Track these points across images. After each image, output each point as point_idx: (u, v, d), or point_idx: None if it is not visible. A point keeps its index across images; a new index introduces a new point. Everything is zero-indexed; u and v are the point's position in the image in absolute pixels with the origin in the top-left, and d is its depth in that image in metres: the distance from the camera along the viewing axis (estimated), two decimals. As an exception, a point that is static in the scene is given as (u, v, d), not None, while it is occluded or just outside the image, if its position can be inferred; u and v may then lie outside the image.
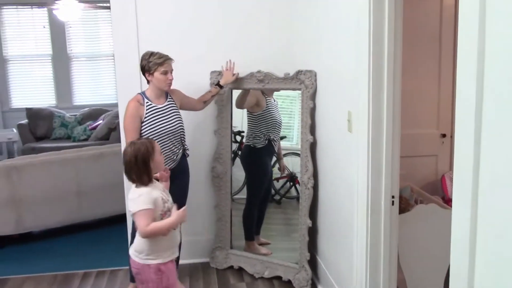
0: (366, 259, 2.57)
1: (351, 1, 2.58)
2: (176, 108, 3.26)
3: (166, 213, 2.48)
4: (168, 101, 3.23)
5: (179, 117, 3.24)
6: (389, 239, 2.55)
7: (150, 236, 2.40)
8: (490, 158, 1.29)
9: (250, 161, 3.86)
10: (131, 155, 2.42)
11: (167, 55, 3.13)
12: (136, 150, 2.42)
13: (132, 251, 2.54)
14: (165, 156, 3.15)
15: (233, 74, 3.58)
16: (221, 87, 3.55)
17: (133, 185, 2.47)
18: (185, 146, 3.33)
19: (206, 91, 3.56)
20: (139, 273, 2.51)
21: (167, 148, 3.16)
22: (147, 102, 3.14)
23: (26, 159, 4.49)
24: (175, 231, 2.53)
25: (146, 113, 3.12)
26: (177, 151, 3.23)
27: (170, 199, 2.58)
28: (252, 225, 3.88)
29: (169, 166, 3.18)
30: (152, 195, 2.42)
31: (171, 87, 3.23)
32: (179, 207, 3.35)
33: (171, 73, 3.15)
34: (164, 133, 3.13)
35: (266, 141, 3.72)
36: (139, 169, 2.41)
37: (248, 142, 3.80)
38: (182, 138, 3.27)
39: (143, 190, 2.43)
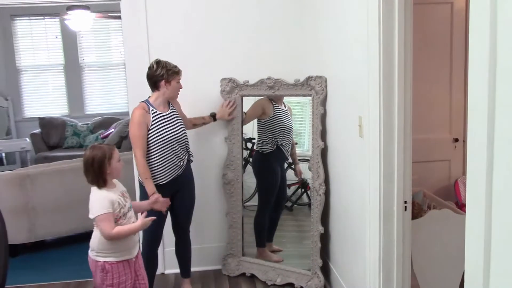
0: (379, 265, 2.55)
1: (361, 6, 2.57)
2: (178, 116, 3.29)
3: (120, 218, 2.58)
4: (171, 109, 3.27)
5: (182, 125, 3.28)
6: (402, 245, 2.53)
7: (115, 238, 2.54)
8: (504, 162, 1.27)
9: (259, 166, 3.87)
10: (88, 158, 2.54)
11: (175, 65, 3.22)
12: (94, 154, 2.54)
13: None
14: (173, 163, 3.18)
15: (229, 114, 3.66)
16: (214, 119, 3.63)
17: (93, 187, 2.59)
18: (190, 153, 3.34)
19: (199, 116, 3.60)
20: (91, 268, 2.64)
21: (174, 154, 3.18)
22: (153, 110, 3.16)
23: (39, 168, 4.52)
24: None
25: (153, 121, 3.14)
26: (183, 157, 3.25)
27: (128, 204, 2.67)
28: (263, 232, 3.88)
29: (176, 173, 3.21)
30: (109, 198, 2.54)
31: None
32: (186, 217, 3.33)
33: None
34: (172, 139, 3.16)
35: (274, 147, 3.72)
36: (95, 172, 2.53)
37: (257, 148, 3.82)
38: (187, 145, 3.30)
39: (101, 194, 2.55)
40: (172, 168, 3.18)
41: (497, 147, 1.29)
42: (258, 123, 3.78)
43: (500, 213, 1.30)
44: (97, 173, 2.53)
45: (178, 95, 3.28)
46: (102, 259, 2.58)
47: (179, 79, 3.21)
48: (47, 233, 4.47)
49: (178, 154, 3.21)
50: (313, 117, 3.43)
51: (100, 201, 2.52)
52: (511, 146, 1.24)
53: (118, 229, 2.53)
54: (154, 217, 2.72)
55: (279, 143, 3.72)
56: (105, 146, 2.62)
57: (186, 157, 3.28)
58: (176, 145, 3.18)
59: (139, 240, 2.82)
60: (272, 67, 3.67)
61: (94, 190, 2.58)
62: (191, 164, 3.39)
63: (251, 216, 3.87)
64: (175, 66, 3.19)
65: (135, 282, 2.71)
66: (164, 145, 3.12)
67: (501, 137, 1.27)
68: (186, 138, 3.29)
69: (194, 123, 3.56)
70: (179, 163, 3.21)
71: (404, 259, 2.55)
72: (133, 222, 2.65)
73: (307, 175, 3.76)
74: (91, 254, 2.62)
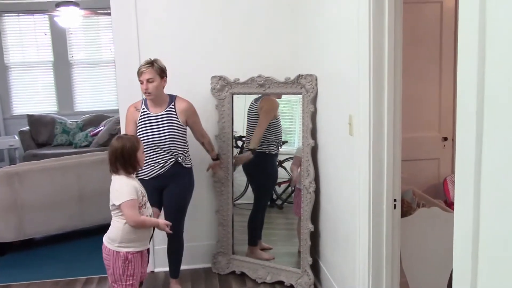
0: (369, 263, 2.56)
1: (351, 5, 2.58)
2: (172, 118, 3.20)
3: (142, 207, 2.76)
4: (167, 111, 3.20)
5: (171, 128, 3.18)
6: (392, 243, 2.54)
7: (139, 226, 2.71)
8: (492, 161, 1.28)
9: (265, 167, 3.84)
10: (117, 148, 2.69)
11: (145, 64, 3.12)
12: (123, 144, 2.69)
13: (105, 238, 2.77)
14: (153, 162, 3.18)
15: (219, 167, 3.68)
16: (214, 159, 3.62)
17: (114, 176, 2.73)
18: (178, 157, 3.23)
19: (211, 147, 3.56)
20: (108, 259, 2.74)
21: (153, 155, 3.16)
22: (143, 109, 3.19)
23: (27, 166, 4.49)
24: None
25: (139, 120, 3.18)
26: (166, 159, 3.19)
27: (145, 195, 2.84)
28: (257, 231, 3.87)
29: (157, 172, 3.20)
30: (134, 185, 2.71)
31: (182, 99, 3.28)
32: (174, 216, 3.26)
33: (149, 82, 3.09)
34: (150, 141, 3.13)
35: (278, 148, 3.76)
36: (125, 160, 2.69)
37: (262, 149, 3.74)
38: (172, 149, 3.20)
39: (127, 181, 2.71)
40: (152, 166, 3.19)
41: (485, 146, 1.30)
42: None
43: (488, 211, 1.31)
44: (128, 161, 2.68)
45: (148, 95, 3.14)
46: (124, 250, 2.70)
47: (140, 80, 3.11)
48: (36, 231, 4.44)
49: (156, 156, 3.18)
50: (303, 115, 3.43)
51: (127, 187, 2.66)
52: (499, 145, 1.25)
53: (144, 218, 2.73)
54: (170, 225, 2.93)
55: (280, 143, 3.76)
56: (132, 137, 2.82)
57: (170, 159, 3.20)
58: (155, 147, 3.16)
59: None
60: (263, 65, 3.67)
61: (118, 178, 2.70)
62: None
63: (241, 214, 3.87)
64: (140, 67, 3.12)
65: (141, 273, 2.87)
66: (145, 144, 3.10)
67: (489, 135, 1.28)
68: (171, 142, 3.19)
69: (203, 142, 3.48)
70: (159, 164, 3.19)
71: (393, 257, 2.56)
72: (150, 214, 2.84)
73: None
74: (111, 246, 2.72)
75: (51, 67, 7.87)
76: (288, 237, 3.97)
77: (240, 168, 3.87)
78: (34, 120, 7.29)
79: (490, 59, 1.26)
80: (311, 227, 3.42)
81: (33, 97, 7.99)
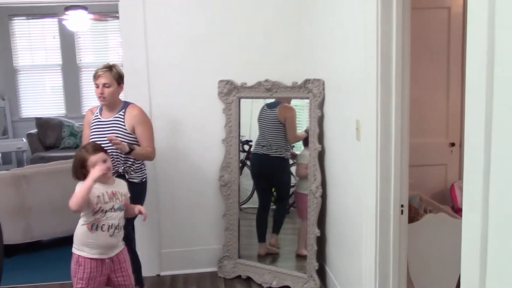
0: (375, 268, 2.55)
1: (359, 10, 2.58)
2: (119, 125, 3.07)
3: (98, 212, 2.64)
4: (115, 117, 3.09)
5: (118, 135, 3.00)
6: (398, 249, 2.53)
7: (75, 204, 2.57)
8: (500, 167, 1.27)
9: (283, 171, 3.87)
10: (75, 156, 2.76)
11: (102, 68, 3.05)
12: (76, 154, 2.75)
13: None
14: None
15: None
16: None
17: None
18: (119, 167, 3.04)
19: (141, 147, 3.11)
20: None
21: None
22: (96, 114, 3.16)
23: (35, 168, 4.51)
24: (103, 232, 2.67)
25: (91, 124, 3.15)
26: (113, 167, 2.90)
27: (115, 204, 2.69)
28: (276, 227, 3.92)
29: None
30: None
31: (135, 106, 3.17)
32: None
33: (105, 86, 3.02)
34: None
35: (291, 153, 3.80)
36: (75, 170, 2.74)
37: (281, 154, 3.78)
38: (115, 157, 3.02)
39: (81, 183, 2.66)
40: None
41: (494, 152, 1.29)
42: (282, 129, 3.73)
43: (496, 217, 1.30)
44: (76, 171, 2.73)
45: (101, 100, 3.07)
46: (77, 252, 2.71)
47: (96, 83, 3.04)
48: (42, 233, 4.45)
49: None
50: (310, 119, 3.43)
51: (78, 187, 2.64)
52: (508, 151, 1.24)
53: (73, 196, 2.58)
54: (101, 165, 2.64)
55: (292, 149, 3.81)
56: (87, 150, 2.70)
57: (118, 169, 3.04)
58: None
59: (125, 244, 2.85)
60: (270, 69, 3.67)
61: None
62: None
63: (248, 218, 3.87)
64: (98, 70, 3.04)
65: (114, 282, 2.78)
66: None
67: (498, 141, 1.27)
68: (113, 150, 2.97)
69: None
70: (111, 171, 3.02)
71: (400, 263, 2.55)
72: (112, 224, 2.69)
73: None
74: (73, 244, 2.76)
75: (60, 70, 7.92)
76: (295, 241, 3.96)
77: (246, 172, 3.87)
78: (42, 123, 7.33)
79: (499, 64, 1.25)
80: (317, 232, 3.41)
81: (41, 100, 8.04)
